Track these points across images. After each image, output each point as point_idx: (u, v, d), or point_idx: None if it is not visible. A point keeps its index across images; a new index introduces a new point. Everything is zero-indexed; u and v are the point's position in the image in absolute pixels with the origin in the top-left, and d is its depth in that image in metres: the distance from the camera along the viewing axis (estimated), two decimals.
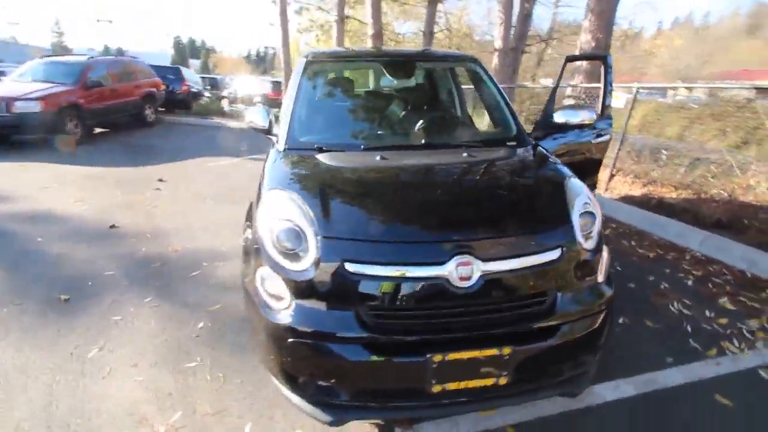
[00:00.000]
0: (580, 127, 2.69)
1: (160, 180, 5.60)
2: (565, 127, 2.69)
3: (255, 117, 2.51)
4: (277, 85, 14.18)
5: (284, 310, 1.47)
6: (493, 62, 7.63)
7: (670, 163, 5.12)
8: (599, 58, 2.98)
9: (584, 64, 5.37)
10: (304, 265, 1.46)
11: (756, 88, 5.38)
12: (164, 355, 2.18)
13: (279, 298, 1.50)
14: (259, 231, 1.62)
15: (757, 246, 3.27)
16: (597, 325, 1.55)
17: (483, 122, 2.78)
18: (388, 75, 2.73)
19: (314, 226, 1.50)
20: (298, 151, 2.10)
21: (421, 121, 2.33)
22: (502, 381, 1.41)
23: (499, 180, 1.83)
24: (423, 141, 2.15)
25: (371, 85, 3.11)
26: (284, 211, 1.58)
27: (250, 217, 1.98)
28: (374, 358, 1.37)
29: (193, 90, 13.60)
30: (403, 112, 2.52)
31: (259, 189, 1.91)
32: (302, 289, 1.45)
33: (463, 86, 3.16)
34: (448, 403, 1.45)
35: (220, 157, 7.28)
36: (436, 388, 1.39)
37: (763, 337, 2.36)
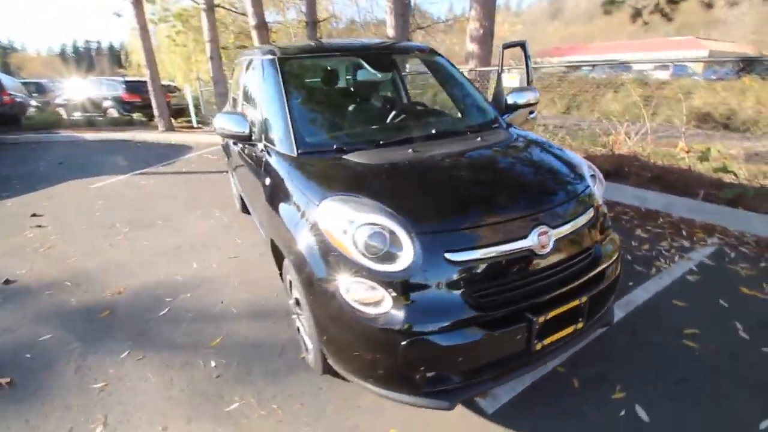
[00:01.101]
0: (527, 106, 3.08)
1: (35, 215, 4.49)
2: (513, 108, 3.05)
3: (229, 124, 2.25)
4: (132, 86, 12.14)
5: (386, 313, 1.44)
6: None
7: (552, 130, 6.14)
8: (520, 44, 3.42)
9: (476, 50, 6.01)
10: (403, 264, 1.45)
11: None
12: (193, 407, 1.88)
13: (375, 304, 1.46)
14: (333, 243, 1.54)
15: (638, 186, 4.23)
16: (619, 265, 1.90)
17: (447, 110, 2.96)
18: (369, 68, 2.70)
19: (403, 224, 1.49)
20: (313, 156, 1.98)
21: (418, 113, 2.40)
22: (580, 326, 1.65)
23: (523, 158, 2.03)
24: (433, 131, 2.23)
25: (346, 80, 3.00)
26: (362, 216, 1.52)
27: (285, 237, 1.81)
28: (486, 334, 1.46)
29: (18, 100, 10.84)
30: (394, 105, 2.54)
31: (294, 201, 1.77)
32: (404, 288, 1.44)
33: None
34: (545, 356, 1.63)
35: (99, 177, 6.10)
36: (538, 346, 1.55)
37: (675, 252, 3.13)
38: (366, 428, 1.75)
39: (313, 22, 8.95)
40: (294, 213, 1.76)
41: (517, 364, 1.58)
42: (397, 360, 1.46)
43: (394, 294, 1.45)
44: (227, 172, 4.92)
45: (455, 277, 1.46)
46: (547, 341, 1.57)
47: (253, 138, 2.27)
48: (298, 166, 1.91)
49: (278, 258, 2.16)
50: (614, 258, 1.84)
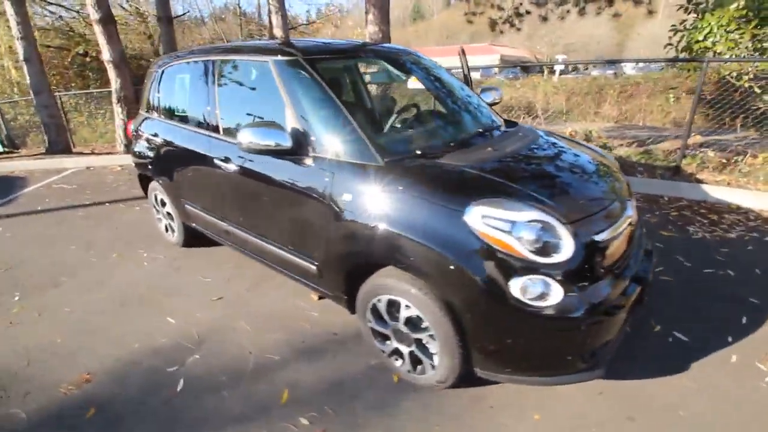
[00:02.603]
0: (493, 105, 3.42)
1: None
2: None
3: (262, 137, 1.92)
4: None
5: (560, 302, 1.51)
6: None
7: None
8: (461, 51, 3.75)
9: None
10: (567, 254, 1.53)
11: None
12: None
13: (547, 296, 1.52)
14: (496, 245, 1.51)
15: None
16: None
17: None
18: (394, 70, 2.52)
19: (556, 216, 1.57)
20: (401, 162, 1.84)
21: (450, 113, 2.42)
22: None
23: (566, 149, 2.28)
24: (480, 129, 2.30)
25: (364, 82, 2.69)
26: (522, 215, 1.54)
27: (416, 251, 1.66)
28: (627, 300, 1.69)
29: None
30: (421, 106, 2.49)
31: (418, 213, 1.64)
32: (571, 275, 1.54)
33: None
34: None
35: None
36: (643, 300, 1.85)
37: None
38: (512, 422, 1.78)
39: (167, 18, 7.73)
40: (426, 224, 1.62)
41: (631, 320, 1.85)
42: (575, 343, 1.56)
43: (563, 283, 1.52)
44: (133, 200, 3.96)
45: (602, 256, 1.63)
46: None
47: (299, 152, 1.96)
48: (397, 175, 1.76)
49: (343, 279, 2.00)
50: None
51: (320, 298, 2.72)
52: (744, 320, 2.36)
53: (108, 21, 6.30)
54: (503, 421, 1.79)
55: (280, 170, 2.10)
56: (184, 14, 12.34)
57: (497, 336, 1.60)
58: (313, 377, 2.07)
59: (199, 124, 2.64)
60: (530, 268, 1.51)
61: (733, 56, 4.28)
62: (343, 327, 2.43)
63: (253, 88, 2.34)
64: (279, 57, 2.13)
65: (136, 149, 3.44)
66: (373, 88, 3.32)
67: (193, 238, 3.33)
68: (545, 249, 1.52)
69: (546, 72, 9.92)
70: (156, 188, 3.37)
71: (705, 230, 3.49)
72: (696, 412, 1.79)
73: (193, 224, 3.11)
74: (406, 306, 1.79)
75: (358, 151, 1.86)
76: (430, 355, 1.84)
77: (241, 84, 2.39)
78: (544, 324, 1.53)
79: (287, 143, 1.93)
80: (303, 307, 2.64)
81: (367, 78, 2.65)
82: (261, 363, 2.18)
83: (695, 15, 4.78)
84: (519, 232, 1.52)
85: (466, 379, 1.81)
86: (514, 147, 2.06)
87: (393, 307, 1.87)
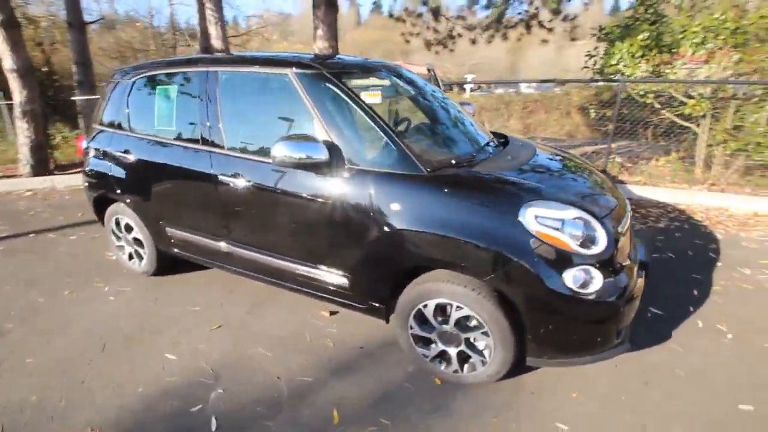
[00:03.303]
0: None
1: None
2: None
3: (297, 151, 1.89)
4: None
5: (601, 287, 1.72)
6: None
7: None
8: (428, 67, 4.02)
9: None
10: (602, 245, 1.76)
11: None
12: None
13: (591, 284, 1.72)
14: (550, 241, 1.68)
15: None
16: None
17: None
18: (405, 85, 2.55)
19: (592, 213, 1.79)
20: (441, 171, 1.94)
21: (462, 125, 2.58)
22: None
23: (563, 157, 2.53)
24: (488, 141, 2.49)
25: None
26: (568, 213, 1.74)
27: (471, 252, 1.76)
28: (641, 282, 1.98)
29: None
30: (431, 120, 2.60)
31: (474, 218, 1.76)
32: (607, 264, 1.76)
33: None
34: None
35: None
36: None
37: None
38: (556, 403, 1.94)
39: (80, 24, 6.89)
40: (483, 227, 1.73)
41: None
42: (612, 323, 1.78)
43: (602, 271, 1.74)
44: (63, 228, 3.44)
45: (620, 247, 1.89)
46: None
47: (334, 164, 1.95)
48: (447, 183, 1.85)
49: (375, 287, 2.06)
50: None
51: (332, 313, 2.66)
52: (695, 293, 2.87)
53: (12, 25, 5.40)
54: (548, 404, 1.95)
55: (310, 184, 2.05)
56: (98, 20, 11.00)
57: (552, 324, 1.76)
58: (356, 393, 2.03)
59: (194, 140, 2.44)
60: (578, 260, 1.70)
61: (636, 77, 5.18)
62: (367, 339, 2.42)
63: (266, 101, 2.25)
64: (301, 70, 2.10)
65: (90, 168, 3.03)
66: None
67: (165, 266, 3.02)
68: (587, 242, 1.73)
69: (457, 89, 10.84)
70: (119, 212, 3.00)
71: (639, 223, 4.14)
72: (689, 369, 2.15)
73: (174, 249, 2.83)
74: (458, 307, 1.87)
75: (400, 162, 1.92)
76: (479, 352, 1.93)
77: (250, 96, 2.28)
78: (589, 309, 1.73)
79: (324, 156, 1.91)
80: (317, 325, 2.56)
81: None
82: (295, 387, 2.08)
83: (606, 43, 5.73)
84: (568, 229, 1.71)
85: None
86: (525, 156, 2.29)
87: (440, 310, 1.94)
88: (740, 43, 4.35)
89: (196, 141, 2.44)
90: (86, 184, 3.13)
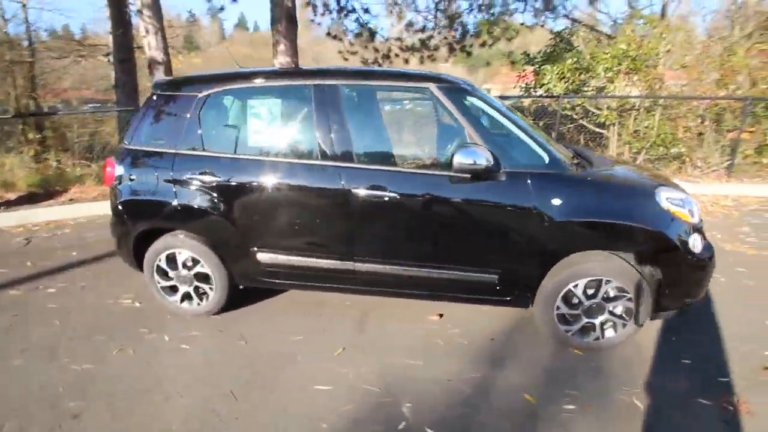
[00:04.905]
0: None
1: None
2: None
3: (475, 157, 2.06)
4: None
5: (701, 247, 2.26)
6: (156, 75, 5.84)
7: None
8: None
9: None
10: (697, 217, 2.32)
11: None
12: None
13: (696, 246, 2.25)
14: (677, 215, 2.19)
15: None
16: None
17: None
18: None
19: (686, 192, 2.35)
20: (580, 170, 2.31)
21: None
22: None
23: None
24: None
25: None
26: (683, 194, 2.27)
27: (624, 230, 2.15)
28: None
29: None
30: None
31: (623, 202, 2.17)
32: (699, 230, 2.31)
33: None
34: None
35: None
36: None
37: None
38: (648, 342, 2.44)
39: None
40: (632, 209, 2.15)
41: None
42: (708, 275, 2.34)
43: (701, 235, 2.31)
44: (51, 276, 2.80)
45: None
46: None
47: (496, 168, 2.14)
48: (595, 178, 2.23)
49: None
50: None
51: (440, 315, 2.76)
52: None
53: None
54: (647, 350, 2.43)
55: (468, 189, 2.19)
56: None
57: (682, 279, 2.24)
58: (526, 375, 2.22)
59: (308, 155, 2.31)
60: (693, 228, 2.23)
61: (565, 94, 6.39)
62: (489, 332, 2.59)
63: (402, 113, 2.30)
64: (440, 84, 2.24)
65: (131, 198, 2.53)
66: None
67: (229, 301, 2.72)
68: (692, 214, 2.28)
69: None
70: (174, 245, 2.57)
71: None
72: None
73: (262, 278, 2.57)
74: (607, 281, 2.23)
75: (553, 163, 2.21)
76: (619, 316, 2.32)
77: (382, 109, 2.29)
78: (702, 264, 2.26)
79: (489, 161, 2.09)
80: (435, 329, 2.63)
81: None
82: (471, 385, 2.16)
83: (534, 66, 6.92)
84: (687, 205, 2.23)
85: None
86: (608, 160, 2.81)
87: (589, 288, 2.27)
88: (637, 68, 5.80)
89: (310, 156, 2.32)
90: (122, 218, 2.58)
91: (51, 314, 2.85)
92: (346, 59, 8.29)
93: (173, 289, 2.72)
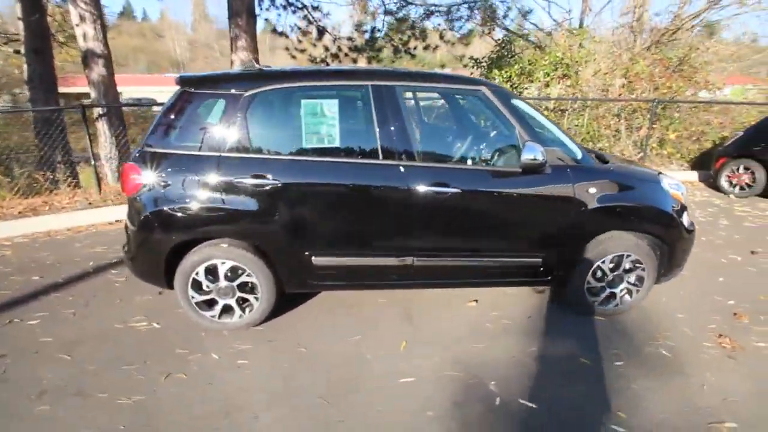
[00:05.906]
0: None
1: None
2: None
3: (534, 153, 2.30)
4: None
5: (689, 223, 2.80)
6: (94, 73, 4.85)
7: None
8: None
9: None
10: (684, 199, 2.86)
11: None
12: None
13: (685, 221, 2.80)
14: (677, 197, 2.67)
15: None
16: None
17: None
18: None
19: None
20: (603, 163, 2.67)
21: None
22: None
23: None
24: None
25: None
26: (676, 181, 2.76)
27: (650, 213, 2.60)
28: None
29: None
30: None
31: (642, 189, 2.60)
32: (685, 208, 2.87)
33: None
34: None
35: None
36: None
37: None
38: (654, 312, 2.96)
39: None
40: (647, 194, 2.57)
41: None
42: (692, 245, 2.90)
43: (688, 213, 2.84)
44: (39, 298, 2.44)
45: None
46: None
47: (546, 163, 2.39)
48: (618, 170, 2.59)
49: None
50: None
51: (475, 301, 2.96)
52: None
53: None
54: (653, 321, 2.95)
55: (523, 182, 2.42)
56: None
57: (682, 251, 2.73)
58: (571, 342, 2.52)
59: (368, 154, 2.33)
60: (683, 208, 2.75)
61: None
62: (523, 311, 2.87)
63: (458, 113, 2.43)
64: (492, 87, 2.44)
65: (163, 208, 2.28)
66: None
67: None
68: (683, 196, 2.80)
69: None
70: (214, 256, 2.38)
71: None
72: None
73: (316, 282, 2.52)
74: (627, 255, 2.64)
75: (585, 158, 2.54)
76: (634, 284, 2.75)
77: (440, 109, 2.40)
78: (690, 238, 2.79)
79: (545, 156, 2.34)
80: (475, 314, 2.83)
81: None
82: (541, 360, 2.40)
83: (481, 70, 7.48)
84: (680, 189, 2.73)
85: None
86: (608, 155, 3.24)
87: (611, 263, 2.65)
88: (568, 73, 6.66)
89: (371, 156, 2.35)
90: (153, 230, 2.31)
91: (52, 349, 2.43)
92: (293, 57, 8.08)
93: (209, 304, 2.51)
